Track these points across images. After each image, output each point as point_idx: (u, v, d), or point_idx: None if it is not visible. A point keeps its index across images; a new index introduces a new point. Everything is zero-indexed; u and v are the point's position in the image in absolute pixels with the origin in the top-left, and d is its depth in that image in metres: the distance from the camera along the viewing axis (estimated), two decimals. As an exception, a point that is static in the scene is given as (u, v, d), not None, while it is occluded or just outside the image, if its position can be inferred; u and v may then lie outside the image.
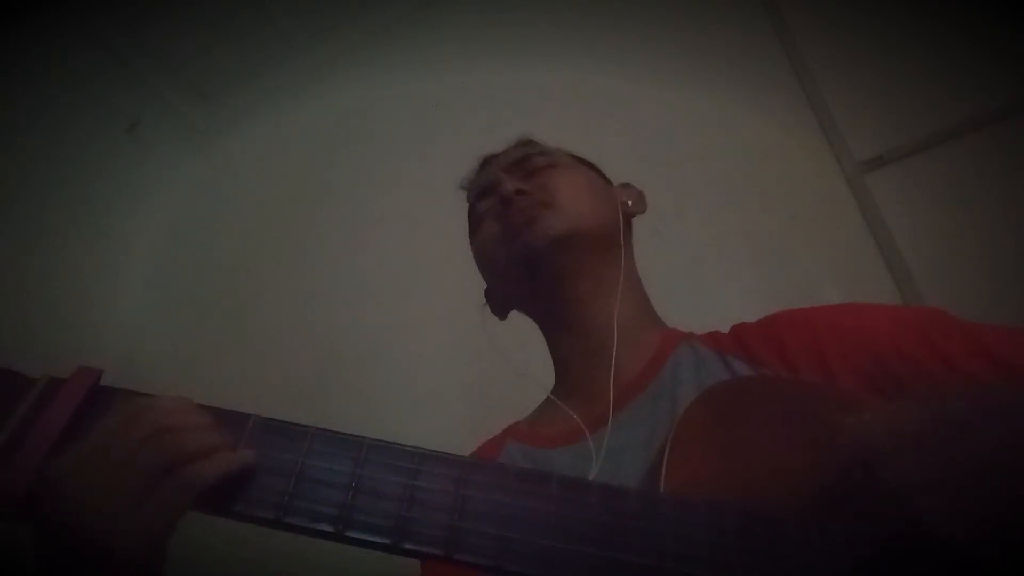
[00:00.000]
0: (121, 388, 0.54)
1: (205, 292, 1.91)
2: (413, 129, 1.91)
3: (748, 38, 1.61)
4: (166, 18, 2.03)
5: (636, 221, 0.92)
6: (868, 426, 0.51)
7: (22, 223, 1.74)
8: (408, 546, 0.45)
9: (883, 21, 1.48)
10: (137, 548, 0.45)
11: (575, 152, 0.93)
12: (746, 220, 1.45)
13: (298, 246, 1.89)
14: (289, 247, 1.90)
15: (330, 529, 0.45)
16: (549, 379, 0.87)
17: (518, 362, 0.90)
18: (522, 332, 0.90)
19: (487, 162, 0.93)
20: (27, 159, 1.80)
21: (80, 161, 1.94)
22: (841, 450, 0.51)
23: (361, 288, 1.72)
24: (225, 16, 2.03)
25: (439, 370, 1.52)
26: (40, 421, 0.49)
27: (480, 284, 0.94)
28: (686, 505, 0.46)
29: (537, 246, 0.77)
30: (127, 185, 2.06)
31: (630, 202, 0.89)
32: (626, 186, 0.93)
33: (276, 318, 1.78)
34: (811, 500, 0.48)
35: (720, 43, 1.63)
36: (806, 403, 0.57)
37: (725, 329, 0.80)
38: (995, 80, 1.35)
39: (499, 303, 0.93)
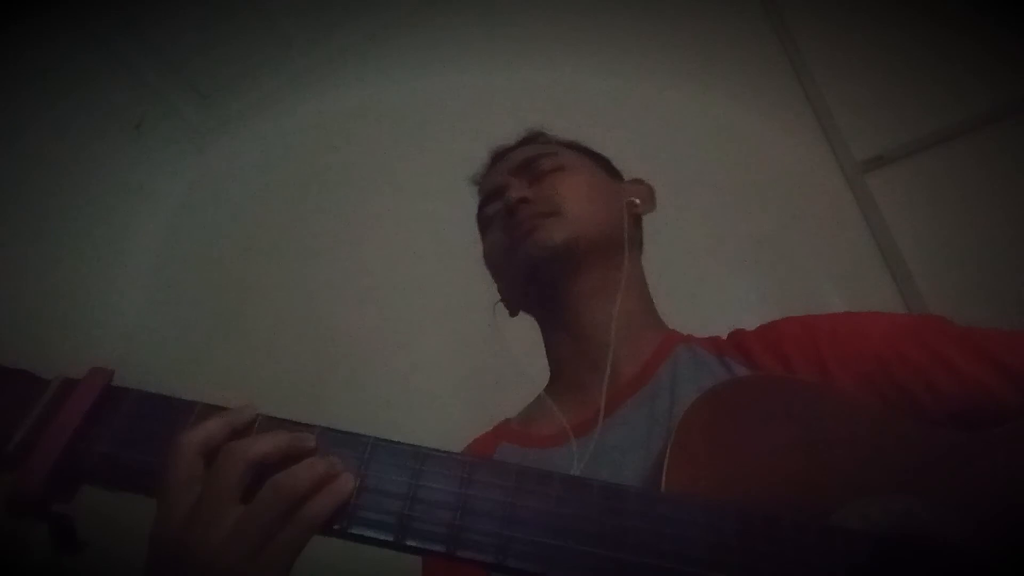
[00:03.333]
0: (135, 389, 0.53)
1: (205, 292, 1.91)
2: (412, 129, 1.91)
3: (748, 38, 1.61)
4: (167, 18, 2.03)
5: (646, 219, 0.92)
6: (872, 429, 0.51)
7: (22, 223, 1.74)
8: (411, 543, 0.45)
9: (883, 21, 1.48)
10: None
11: (588, 144, 0.93)
12: (746, 220, 1.45)
13: (297, 246, 1.89)
14: (288, 247, 1.90)
15: (335, 526, 0.46)
16: (544, 378, 0.87)
17: (520, 360, 0.90)
18: (524, 331, 0.91)
19: (497, 158, 0.94)
20: (27, 159, 1.80)
21: (80, 161, 1.94)
22: (840, 453, 0.51)
23: (360, 288, 1.72)
24: (225, 16, 2.04)
25: (437, 369, 1.52)
26: (54, 422, 0.49)
27: (480, 284, 0.95)
28: (685, 504, 0.46)
29: (538, 256, 0.78)
30: (127, 185, 2.06)
31: (637, 201, 0.89)
32: (636, 182, 0.93)
33: (275, 318, 1.78)
34: (811, 500, 0.48)
35: (720, 43, 1.63)
36: (805, 401, 0.57)
37: (724, 333, 0.80)
38: (995, 80, 1.34)
39: (509, 303, 0.94)
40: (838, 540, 0.46)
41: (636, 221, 0.90)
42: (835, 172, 1.43)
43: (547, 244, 0.78)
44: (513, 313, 0.94)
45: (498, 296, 0.95)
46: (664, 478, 0.49)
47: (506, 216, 0.82)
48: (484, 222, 0.90)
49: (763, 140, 1.51)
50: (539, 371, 0.87)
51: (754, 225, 1.45)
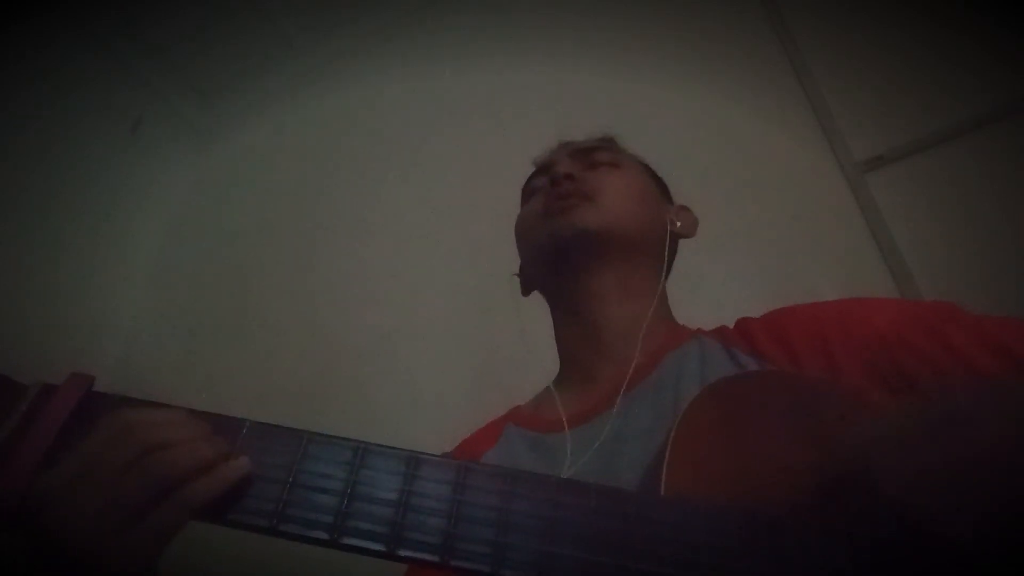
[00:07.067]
0: (114, 394, 0.52)
1: (205, 292, 1.91)
2: (413, 129, 1.91)
3: (748, 38, 1.60)
4: (167, 18, 2.03)
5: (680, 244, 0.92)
6: (871, 425, 0.51)
7: (22, 223, 1.74)
8: (404, 553, 0.44)
9: (883, 21, 1.48)
10: (130, 568, 0.45)
11: (650, 164, 0.95)
12: (746, 220, 1.45)
13: (297, 246, 1.89)
14: (288, 248, 1.90)
15: (325, 536, 0.44)
16: (551, 376, 0.87)
17: (529, 359, 0.90)
18: (536, 325, 0.91)
19: (562, 145, 0.96)
20: (27, 159, 1.80)
21: (80, 161, 1.94)
22: (844, 449, 0.51)
23: (361, 288, 1.72)
24: (225, 16, 2.03)
25: (439, 371, 1.52)
26: (32, 430, 0.48)
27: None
28: (686, 508, 0.45)
29: (564, 235, 0.79)
30: (127, 185, 2.06)
31: (679, 223, 0.89)
32: (683, 208, 0.94)
33: (276, 318, 1.78)
34: (813, 498, 0.48)
35: (720, 43, 1.63)
36: (810, 398, 0.56)
37: (730, 326, 0.80)
38: (995, 80, 1.34)
39: (526, 280, 0.94)
40: (839, 540, 0.45)
41: (674, 242, 0.90)
42: (835, 172, 1.43)
43: (578, 226, 0.78)
44: (526, 292, 0.94)
45: (517, 270, 0.95)
46: (664, 475, 0.49)
47: (549, 186, 0.84)
48: (527, 193, 0.92)
49: (763, 140, 1.51)
50: (546, 369, 0.87)
51: (754, 225, 1.45)
